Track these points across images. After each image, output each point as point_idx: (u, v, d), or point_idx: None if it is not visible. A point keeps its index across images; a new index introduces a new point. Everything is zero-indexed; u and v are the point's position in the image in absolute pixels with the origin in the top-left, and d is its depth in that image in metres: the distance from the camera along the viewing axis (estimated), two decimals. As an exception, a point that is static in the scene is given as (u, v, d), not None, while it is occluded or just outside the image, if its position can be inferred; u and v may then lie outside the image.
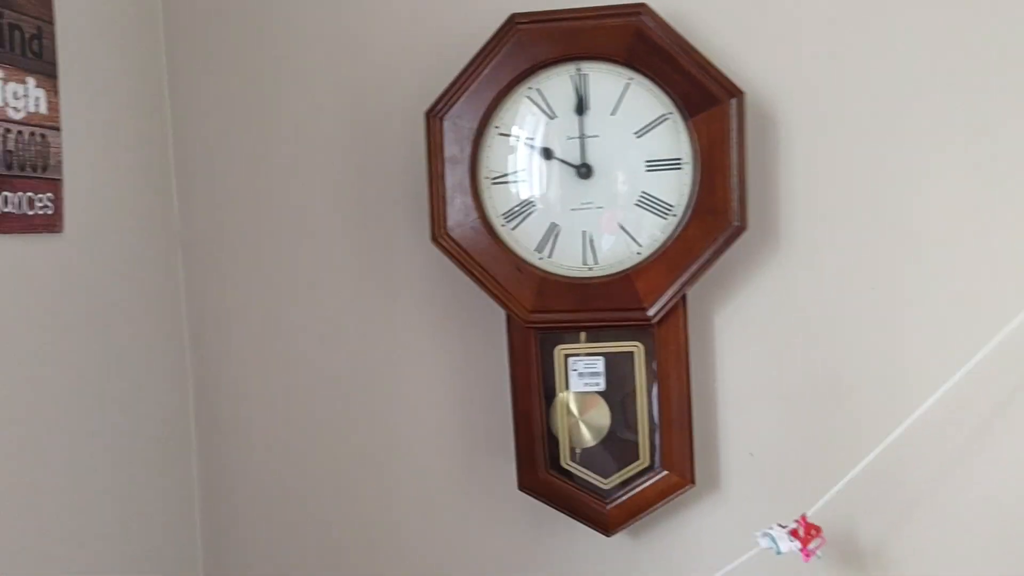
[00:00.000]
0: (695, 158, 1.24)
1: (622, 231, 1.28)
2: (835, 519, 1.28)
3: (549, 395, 1.34)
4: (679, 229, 1.26)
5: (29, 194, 1.13)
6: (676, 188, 1.26)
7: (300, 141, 1.43)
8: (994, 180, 1.27)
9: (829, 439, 1.33)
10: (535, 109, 1.28)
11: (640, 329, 1.30)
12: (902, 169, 1.29)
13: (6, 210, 1.09)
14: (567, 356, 1.32)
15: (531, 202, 1.29)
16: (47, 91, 1.16)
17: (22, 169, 1.12)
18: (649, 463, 1.33)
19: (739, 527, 1.32)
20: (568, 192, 1.28)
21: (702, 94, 1.23)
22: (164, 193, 1.44)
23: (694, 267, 1.25)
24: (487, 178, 1.30)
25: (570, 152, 1.28)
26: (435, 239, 1.30)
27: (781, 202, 1.32)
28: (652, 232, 1.27)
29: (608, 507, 1.34)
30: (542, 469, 1.35)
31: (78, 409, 1.23)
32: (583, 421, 1.33)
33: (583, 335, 1.32)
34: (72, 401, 1.22)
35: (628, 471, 1.34)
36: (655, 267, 1.26)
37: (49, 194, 1.17)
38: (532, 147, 1.29)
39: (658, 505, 1.33)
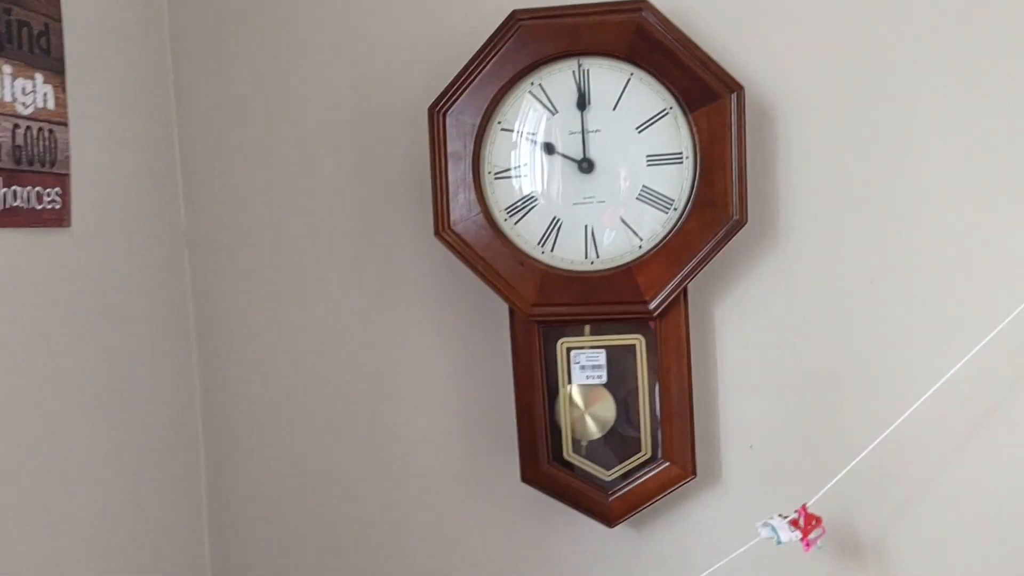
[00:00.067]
0: (695, 153, 1.26)
1: (623, 225, 1.29)
2: (835, 510, 1.29)
3: (552, 388, 1.35)
4: (680, 223, 1.27)
5: (37, 189, 1.14)
6: (677, 182, 1.27)
7: (304, 138, 1.44)
8: (993, 174, 1.28)
9: (829, 431, 1.34)
10: (537, 105, 1.29)
11: (641, 322, 1.31)
12: (900, 163, 1.30)
13: (15, 204, 1.10)
14: (569, 349, 1.34)
15: (533, 197, 1.31)
16: (55, 87, 1.17)
17: (30, 164, 1.13)
18: (650, 455, 1.35)
19: (740, 518, 1.33)
20: (570, 187, 1.30)
21: (702, 89, 1.24)
22: (170, 189, 1.46)
23: (694, 260, 1.26)
24: (490, 173, 1.31)
25: (572, 147, 1.29)
26: (438, 234, 1.31)
27: (780, 196, 1.33)
28: (653, 226, 1.29)
29: (610, 499, 1.36)
30: (544, 462, 1.36)
31: (83, 405, 1.23)
32: (589, 414, 1.35)
33: (587, 328, 1.33)
34: (77, 397, 1.23)
35: (630, 463, 1.35)
36: (656, 261, 1.28)
37: (57, 189, 1.18)
38: (534, 142, 1.30)
39: (660, 497, 1.34)
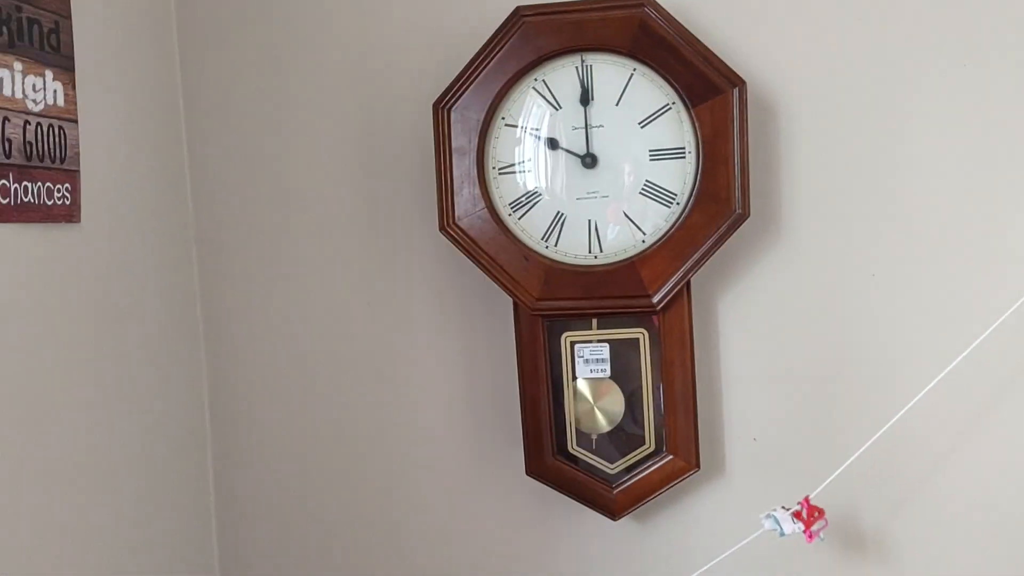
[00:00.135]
0: (698, 147, 1.27)
1: (627, 220, 1.30)
2: (838, 502, 1.30)
3: (556, 382, 1.36)
4: (682, 217, 1.28)
5: (48, 185, 1.16)
6: (679, 177, 1.28)
7: (310, 135, 1.46)
8: (995, 168, 1.29)
9: (831, 423, 1.35)
10: (541, 100, 1.30)
11: (645, 316, 1.32)
12: (902, 156, 1.31)
13: (26, 200, 1.12)
14: (573, 343, 1.35)
15: (537, 192, 1.32)
16: (64, 84, 1.19)
17: (41, 160, 1.15)
18: (654, 448, 1.36)
19: (743, 510, 1.34)
20: (573, 182, 1.31)
21: (705, 84, 1.25)
22: (178, 185, 1.47)
23: (697, 254, 1.27)
24: (494, 168, 1.32)
25: (575, 142, 1.30)
26: (443, 229, 1.32)
27: (783, 190, 1.34)
28: (656, 220, 1.30)
29: (614, 491, 1.37)
30: (549, 455, 1.37)
31: (91, 400, 1.25)
32: (598, 407, 1.35)
33: (594, 322, 1.34)
34: (85, 391, 1.24)
35: (634, 456, 1.36)
36: (659, 255, 1.29)
37: (67, 185, 1.19)
38: (538, 138, 1.31)
39: (663, 489, 1.35)
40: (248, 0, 1.46)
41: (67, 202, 1.20)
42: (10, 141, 1.09)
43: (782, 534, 1.23)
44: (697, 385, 1.34)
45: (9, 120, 1.09)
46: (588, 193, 1.30)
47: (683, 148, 1.28)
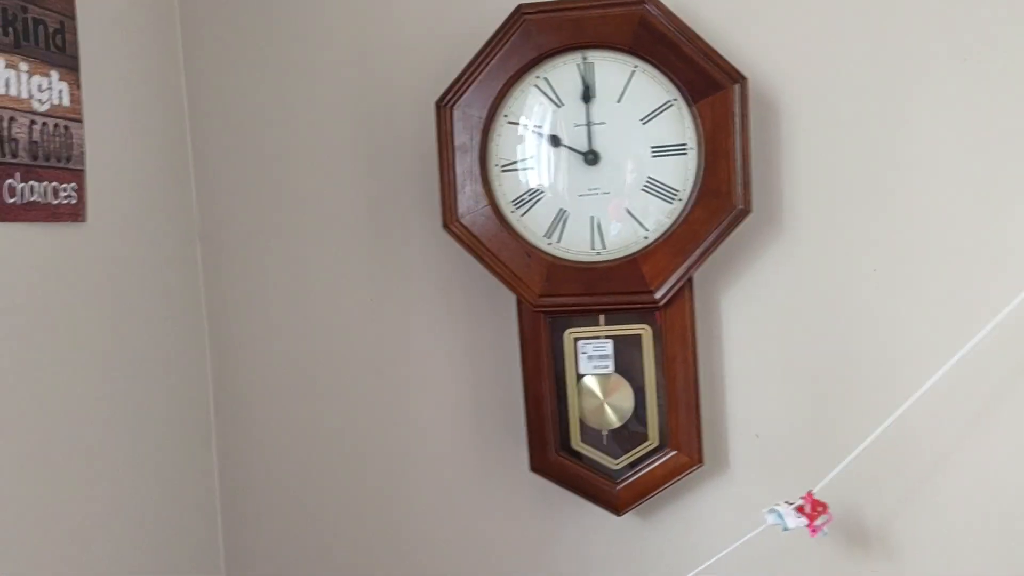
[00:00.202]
0: (699, 143, 1.27)
1: (629, 216, 1.31)
2: (841, 497, 1.30)
3: (559, 378, 1.36)
4: (684, 213, 1.28)
5: (54, 184, 1.17)
6: (681, 173, 1.28)
7: (314, 133, 1.46)
8: (996, 164, 1.29)
9: (834, 418, 1.35)
10: (542, 98, 1.31)
11: (648, 312, 1.33)
12: (903, 151, 1.31)
13: (32, 199, 1.13)
14: (576, 339, 1.35)
15: (540, 189, 1.32)
16: (70, 84, 1.20)
17: (47, 159, 1.16)
18: (658, 444, 1.36)
19: (747, 506, 1.35)
20: (576, 178, 1.31)
21: (706, 80, 1.25)
22: (182, 183, 1.48)
23: (699, 250, 1.28)
24: (496, 166, 1.33)
25: (577, 139, 1.30)
26: (446, 226, 1.33)
27: (784, 186, 1.34)
28: (658, 217, 1.30)
29: (618, 487, 1.37)
30: (553, 451, 1.38)
31: (96, 397, 1.25)
32: (608, 403, 1.36)
33: (602, 318, 1.34)
34: (90, 389, 1.24)
35: (637, 452, 1.37)
36: (661, 251, 1.29)
37: (73, 184, 1.20)
38: (540, 135, 1.32)
39: (667, 485, 1.36)
40: (251, 0, 1.46)
41: (73, 201, 1.20)
42: (16, 140, 1.10)
43: (785, 529, 1.23)
44: (700, 381, 1.34)
45: (15, 120, 1.10)
46: (590, 190, 1.31)
47: (685, 144, 1.28)
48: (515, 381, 1.39)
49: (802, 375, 1.36)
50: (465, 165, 1.32)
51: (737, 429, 1.39)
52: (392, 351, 1.47)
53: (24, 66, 1.12)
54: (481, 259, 1.33)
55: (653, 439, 1.36)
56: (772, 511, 1.25)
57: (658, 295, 1.30)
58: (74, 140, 1.21)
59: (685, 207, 1.28)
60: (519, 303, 1.35)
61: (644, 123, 1.29)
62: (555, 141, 1.31)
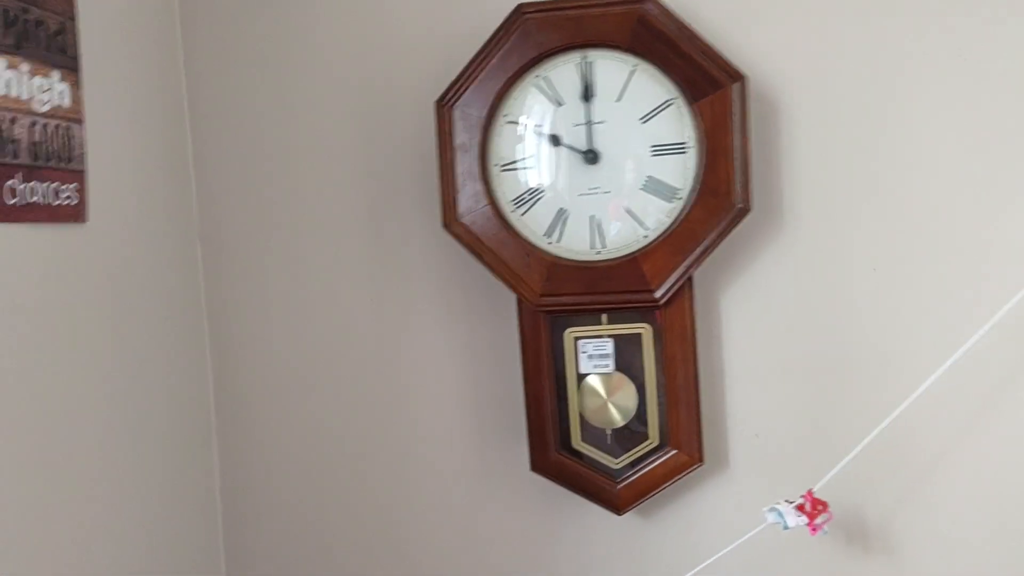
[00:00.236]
0: (699, 142, 1.27)
1: (629, 215, 1.31)
2: (841, 495, 1.30)
3: (560, 378, 1.37)
4: (684, 212, 1.28)
5: (55, 185, 1.17)
6: (681, 172, 1.29)
7: (314, 133, 1.47)
8: (996, 161, 1.29)
9: (835, 417, 1.35)
10: (542, 97, 1.31)
11: (648, 311, 1.33)
12: (903, 149, 1.31)
13: (33, 200, 1.13)
14: (576, 339, 1.35)
15: (539, 188, 1.32)
16: (71, 85, 1.20)
17: (48, 160, 1.16)
18: (658, 443, 1.36)
19: (747, 504, 1.35)
20: (576, 178, 1.31)
21: (705, 79, 1.26)
22: (183, 184, 1.48)
23: (699, 249, 1.28)
24: (496, 165, 1.33)
25: (577, 138, 1.31)
26: (446, 226, 1.33)
27: (784, 184, 1.34)
28: (658, 216, 1.30)
29: (618, 487, 1.37)
30: (553, 450, 1.38)
31: (97, 398, 1.26)
32: (611, 403, 1.36)
33: (605, 317, 1.34)
34: (91, 389, 1.25)
35: (637, 451, 1.37)
36: (661, 249, 1.29)
37: (74, 185, 1.21)
38: (540, 134, 1.32)
39: (667, 484, 1.36)
40: (251, 1, 1.47)
41: (74, 202, 1.21)
42: (17, 141, 1.10)
43: (785, 527, 1.24)
44: (700, 380, 1.34)
45: (16, 121, 1.10)
46: (590, 189, 1.31)
47: (684, 143, 1.28)
48: (515, 380, 1.40)
49: (802, 374, 1.36)
50: (465, 165, 1.32)
51: (737, 428, 1.39)
52: (392, 351, 1.47)
53: (25, 67, 1.12)
54: (481, 259, 1.33)
55: (653, 438, 1.36)
56: (772, 510, 1.25)
57: (658, 294, 1.30)
58: (75, 141, 1.21)
59: (685, 206, 1.29)
60: (519, 302, 1.35)
61: (644, 122, 1.29)
62: (555, 140, 1.31)
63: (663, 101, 1.28)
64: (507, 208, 1.33)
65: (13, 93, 1.10)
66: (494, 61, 1.30)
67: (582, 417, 1.37)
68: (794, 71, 1.33)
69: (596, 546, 1.44)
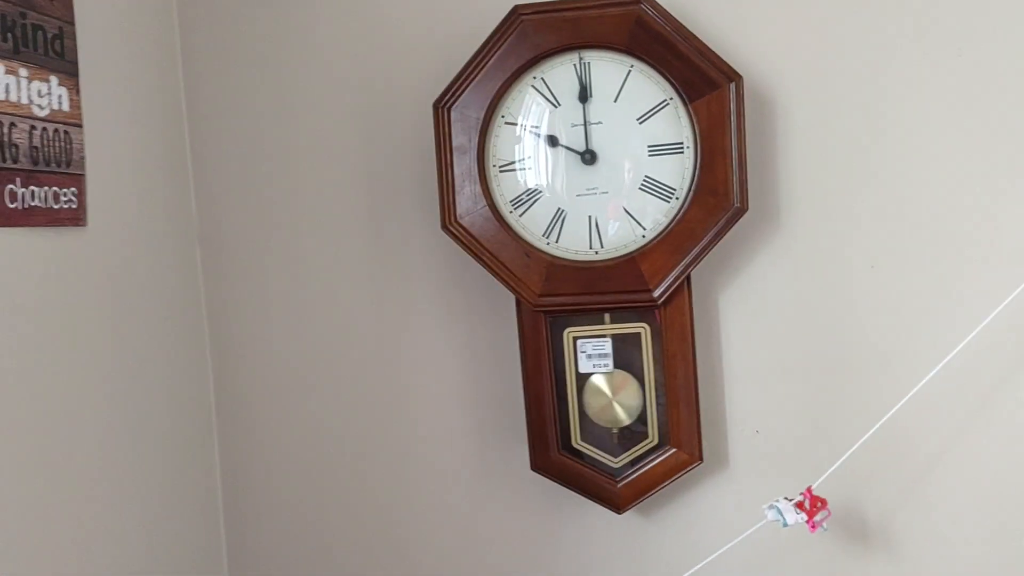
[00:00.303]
0: (696, 142, 1.28)
1: (626, 215, 1.31)
2: (840, 492, 1.31)
3: (559, 377, 1.37)
4: (682, 212, 1.29)
5: (54, 189, 1.17)
6: (678, 172, 1.29)
7: (312, 136, 1.47)
8: (991, 158, 1.30)
9: (834, 414, 1.36)
10: (540, 98, 1.32)
11: (646, 310, 1.33)
12: (898, 147, 1.32)
13: (33, 204, 1.14)
14: (575, 338, 1.36)
15: (538, 189, 1.33)
16: (69, 90, 1.21)
17: (47, 165, 1.16)
18: (658, 441, 1.36)
19: (747, 502, 1.35)
20: (573, 178, 1.32)
21: (702, 79, 1.26)
22: (181, 187, 1.49)
23: (697, 248, 1.28)
24: (494, 166, 1.33)
25: (574, 139, 1.31)
26: (445, 227, 1.34)
27: (781, 184, 1.35)
28: (655, 215, 1.31)
29: (619, 485, 1.38)
30: (554, 450, 1.38)
31: (98, 400, 1.26)
32: (617, 401, 1.36)
33: (608, 316, 1.34)
34: (92, 392, 1.25)
35: (637, 450, 1.37)
36: (659, 249, 1.30)
37: (73, 189, 1.21)
38: (537, 135, 1.32)
39: (667, 482, 1.36)
40: (250, 4, 1.47)
41: (73, 206, 1.21)
42: (17, 146, 1.11)
43: (785, 524, 1.24)
44: (699, 378, 1.35)
45: (16, 125, 1.11)
46: (588, 189, 1.32)
47: (681, 143, 1.29)
48: (515, 381, 1.40)
49: (800, 371, 1.37)
50: (464, 166, 1.33)
51: (736, 426, 1.40)
52: (392, 351, 1.48)
53: (24, 72, 1.12)
54: (480, 259, 1.33)
55: (653, 437, 1.36)
56: (772, 507, 1.25)
57: (657, 293, 1.30)
58: (74, 145, 1.21)
59: (682, 206, 1.29)
60: (518, 303, 1.36)
61: (641, 122, 1.29)
62: (552, 141, 1.32)
63: (660, 101, 1.29)
64: (506, 209, 1.34)
65: (12, 98, 1.10)
66: (491, 62, 1.30)
67: (583, 416, 1.38)
68: (790, 71, 1.33)
69: (596, 545, 1.45)
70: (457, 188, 1.33)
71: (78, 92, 1.22)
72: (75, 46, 1.22)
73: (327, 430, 1.51)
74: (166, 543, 1.40)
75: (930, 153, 1.31)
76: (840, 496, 1.31)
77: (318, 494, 1.52)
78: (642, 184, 1.30)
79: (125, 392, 1.32)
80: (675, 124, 1.28)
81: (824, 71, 1.32)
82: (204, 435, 1.52)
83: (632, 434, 1.37)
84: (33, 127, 1.14)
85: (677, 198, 1.30)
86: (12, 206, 1.10)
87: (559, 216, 1.33)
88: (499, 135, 1.33)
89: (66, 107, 1.20)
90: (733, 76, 1.26)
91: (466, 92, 1.31)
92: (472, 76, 1.31)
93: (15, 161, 1.11)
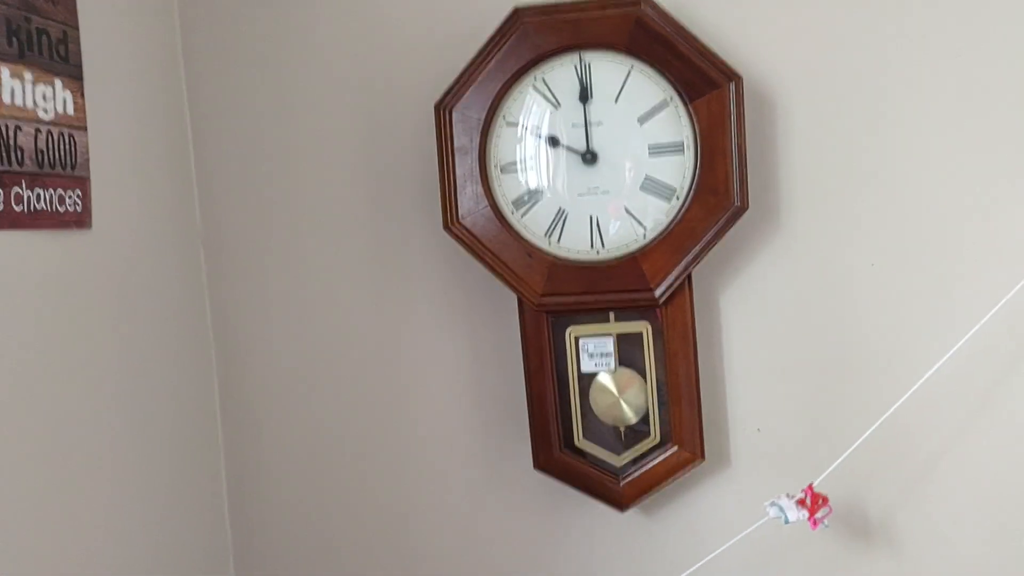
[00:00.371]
0: (696, 142, 1.28)
1: (628, 215, 1.32)
2: (841, 489, 1.31)
3: (562, 376, 1.38)
4: (682, 211, 1.30)
5: (59, 191, 1.18)
6: (679, 171, 1.30)
7: (315, 138, 1.47)
8: (991, 157, 1.30)
9: (835, 412, 1.36)
10: (540, 99, 1.32)
11: (648, 309, 1.34)
12: (899, 146, 1.32)
13: (38, 207, 1.14)
14: (577, 338, 1.36)
15: (539, 189, 1.34)
16: (73, 93, 1.21)
17: (52, 168, 1.17)
18: (660, 440, 1.37)
19: (749, 500, 1.35)
20: (574, 178, 1.32)
21: (701, 79, 1.27)
22: (185, 189, 1.49)
23: (698, 247, 1.29)
24: (496, 167, 1.34)
25: (575, 139, 1.32)
26: (447, 227, 1.34)
27: (781, 182, 1.35)
28: (656, 215, 1.31)
29: (621, 484, 1.38)
30: (556, 449, 1.39)
31: (103, 402, 1.26)
32: (623, 400, 1.37)
33: (612, 315, 1.35)
34: (97, 394, 1.25)
35: (639, 448, 1.38)
36: (660, 249, 1.30)
37: (78, 191, 1.21)
38: (538, 136, 1.33)
39: (669, 480, 1.37)
40: (251, 6, 1.48)
41: (78, 208, 1.22)
42: (22, 149, 1.11)
43: (786, 521, 1.24)
44: (700, 377, 1.35)
45: (21, 129, 1.11)
46: (589, 189, 1.32)
47: (681, 143, 1.29)
48: (517, 380, 1.41)
49: (802, 369, 1.37)
50: (465, 167, 1.33)
51: (738, 424, 1.40)
52: (395, 352, 1.48)
53: (28, 75, 1.13)
54: (483, 260, 1.34)
55: (655, 435, 1.37)
56: (773, 504, 1.26)
57: (658, 292, 1.31)
58: (79, 148, 1.22)
59: (683, 205, 1.30)
60: (520, 303, 1.36)
61: (641, 123, 1.30)
62: (553, 142, 1.33)
63: (660, 101, 1.29)
64: (507, 209, 1.34)
65: (17, 102, 1.11)
66: (492, 64, 1.31)
67: (585, 415, 1.38)
68: (790, 70, 1.34)
69: (599, 543, 1.45)
70: (459, 189, 1.33)
71: (82, 95, 1.23)
72: (79, 49, 1.23)
73: (331, 431, 1.51)
74: (172, 544, 1.40)
75: (930, 153, 1.31)
76: (841, 495, 1.31)
77: (323, 495, 1.52)
78: (643, 184, 1.31)
79: (130, 393, 1.32)
80: (675, 124, 1.29)
81: (824, 71, 1.33)
82: (209, 436, 1.53)
83: (634, 433, 1.38)
84: (38, 130, 1.14)
85: (678, 197, 1.30)
86: (18, 209, 1.11)
87: (560, 216, 1.33)
88: (500, 136, 1.33)
89: (71, 110, 1.21)
90: (733, 76, 1.26)
91: (467, 93, 1.32)
92: (473, 77, 1.31)
93: (20, 164, 1.11)
